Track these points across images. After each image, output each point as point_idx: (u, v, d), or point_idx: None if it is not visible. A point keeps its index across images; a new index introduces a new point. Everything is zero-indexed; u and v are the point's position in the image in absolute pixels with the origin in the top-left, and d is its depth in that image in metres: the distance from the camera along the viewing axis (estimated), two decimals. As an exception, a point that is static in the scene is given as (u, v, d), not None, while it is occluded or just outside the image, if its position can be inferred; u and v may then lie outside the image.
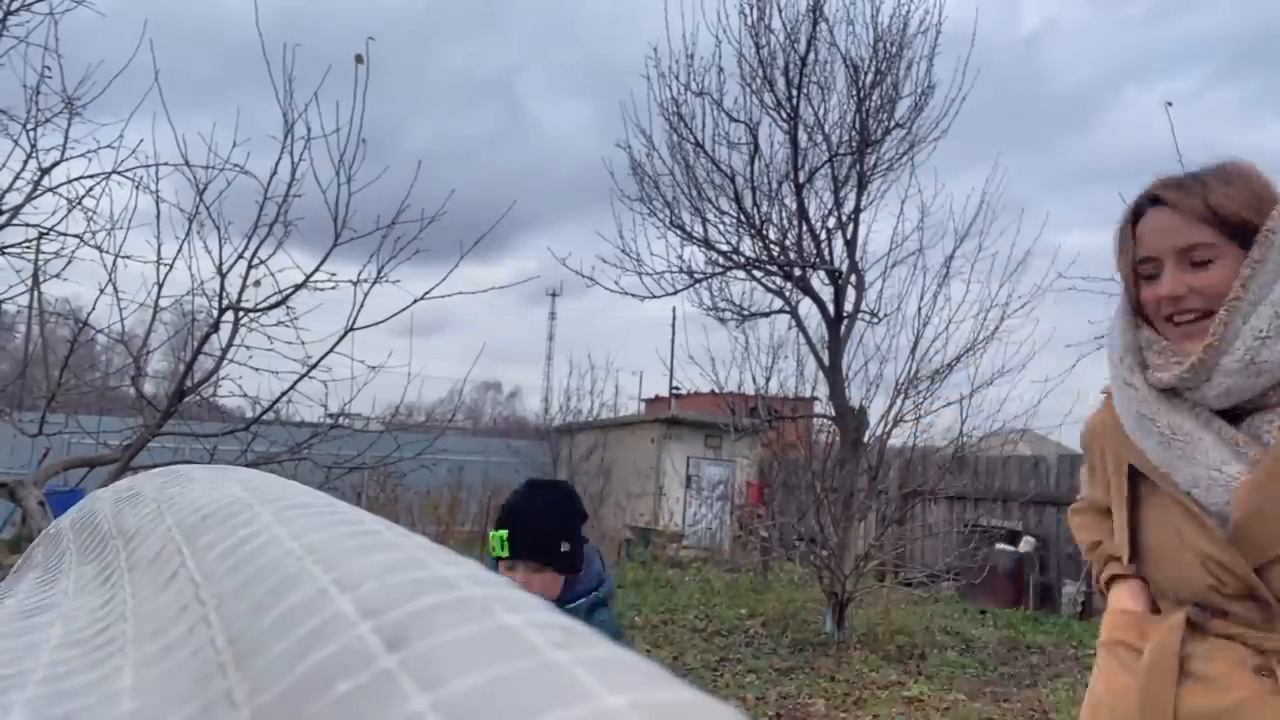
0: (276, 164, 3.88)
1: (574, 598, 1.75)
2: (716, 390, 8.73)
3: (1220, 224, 1.13)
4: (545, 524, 1.77)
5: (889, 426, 7.18)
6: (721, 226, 8.09)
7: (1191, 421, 1.16)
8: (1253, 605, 1.12)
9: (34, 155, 3.88)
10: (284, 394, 3.99)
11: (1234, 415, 1.15)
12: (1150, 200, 1.21)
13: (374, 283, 3.93)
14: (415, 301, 3.99)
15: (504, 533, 1.74)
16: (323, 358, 3.92)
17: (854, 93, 7.60)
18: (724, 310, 8.30)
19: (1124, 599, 1.29)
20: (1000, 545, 8.84)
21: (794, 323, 7.80)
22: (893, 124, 7.71)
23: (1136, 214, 1.23)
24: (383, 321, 3.99)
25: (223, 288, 3.83)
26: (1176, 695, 1.14)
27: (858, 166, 7.73)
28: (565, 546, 1.76)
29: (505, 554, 1.73)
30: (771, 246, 7.91)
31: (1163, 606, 1.25)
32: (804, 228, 7.81)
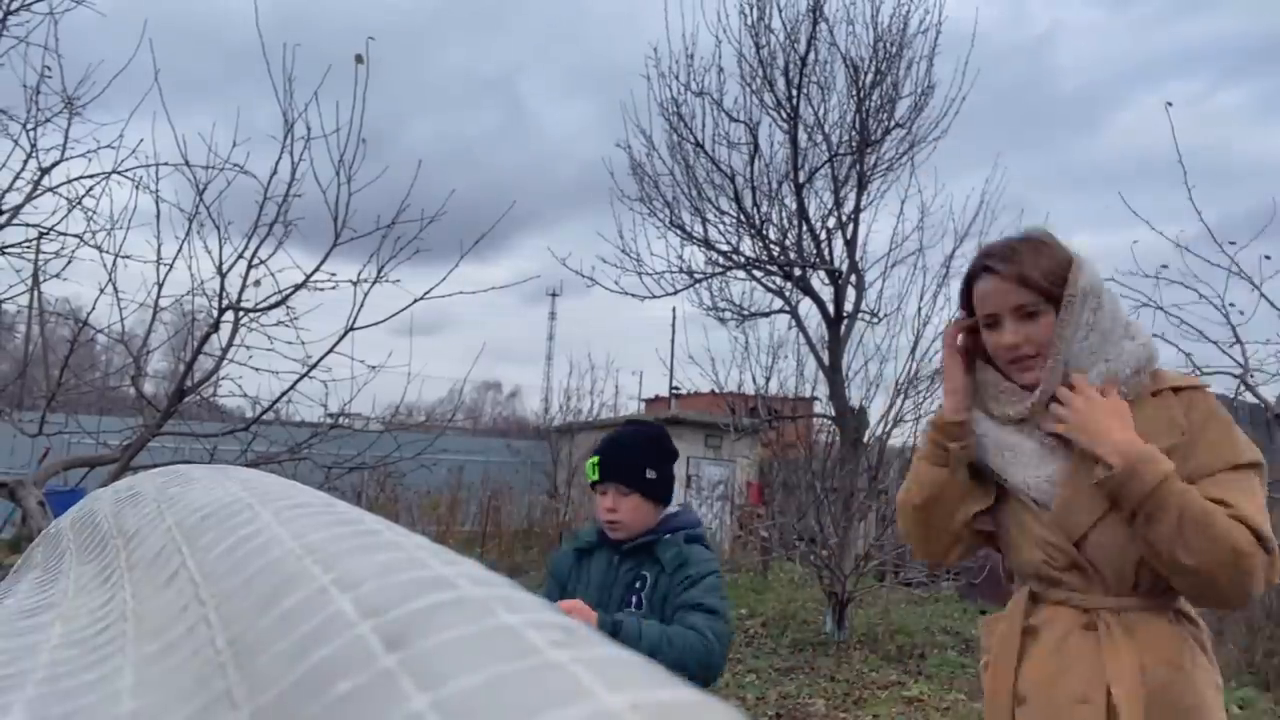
0: (276, 164, 3.88)
1: (669, 530, 1.90)
2: (716, 390, 8.73)
3: (1036, 288, 1.45)
4: (632, 451, 1.94)
5: (889, 426, 7.19)
6: (721, 226, 8.10)
7: (1017, 437, 1.50)
8: (1077, 574, 1.43)
9: (34, 155, 3.88)
10: (284, 394, 3.99)
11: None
12: (984, 268, 1.51)
13: (374, 283, 3.93)
14: (415, 301, 4.00)
15: (595, 458, 1.92)
16: (323, 358, 3.92)
17: (854, 93, 7.60)
18: (724, 310, 8.31)
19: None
20: (1000, 545, 8.83)
21: (794, 323, 7.81)
22: (893, 124, 7.72)
23: (972, 277, 1.55)
24: (383, 321, 3.99)
25: (223, 288, 3.84)
26: (1021, 660, 1.45)
27: (858, 166, 7.73)
28: (651, 474, 1.92)
29: (595, 477, 1.90)
30: (771, 246, 7.91)
31: (1015, 589, 1.55)
32: (804, 228, 7.82)
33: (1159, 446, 1.36)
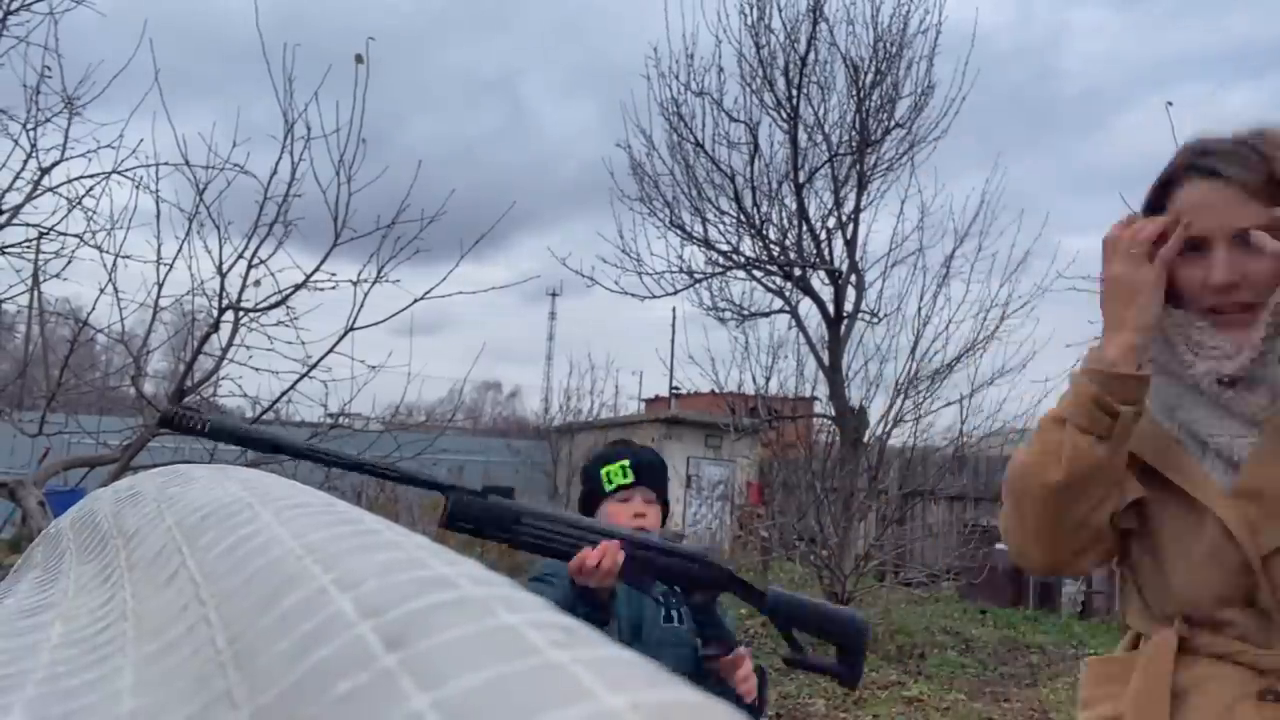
0: (276, 164, 3.88)
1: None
2: (716, 390, 8.73)
3: (1275, 198, 0.98)
4: (659, 460, 1.93)
5: (889, 426, 7.19)
6: (721, 226, 8.10)
7: (1211, 411, 1.05)
8: (1253, 614, 0.98)
9: (34, 155, 3.88)
10: (284, 394, 3.99)
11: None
12: (1196, 167, 1.04)
13: (374, 283, 3.93)
14: (415, 301, 4.00)
15: (625, 461, 1.85)
16: (323, 358, 3.92)
17: (854, 93, 7.60)
18: (724, 310, 8.31)
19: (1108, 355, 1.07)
20: (1000, 545, 8.84)
21: (794, 323, 7.81)
22: (893, 124, 7.72)
23: (1171, 180, 1.07)
24: (383, 321, 4.00)
25: (223, 287, 3.84)
26: None
27: (858, 166, 7.73)
28: (668, 490, 1.90)
29: (628, 480, 1.82)
30: (771, 246, 7.91)
31: (1150, 631, 1.10)
32: (804, 228, 7.82)
33: None
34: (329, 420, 4.45)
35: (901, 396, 7.13)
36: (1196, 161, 1.04)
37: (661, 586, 1.65)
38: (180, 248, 3.86)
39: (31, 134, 3.87)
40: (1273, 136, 1.03)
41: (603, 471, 1.85)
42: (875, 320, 7.66)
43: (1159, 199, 1.08)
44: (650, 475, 1.85)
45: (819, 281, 7.91)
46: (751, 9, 7.70)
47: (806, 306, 7.83)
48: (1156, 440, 1.08)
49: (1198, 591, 1.03)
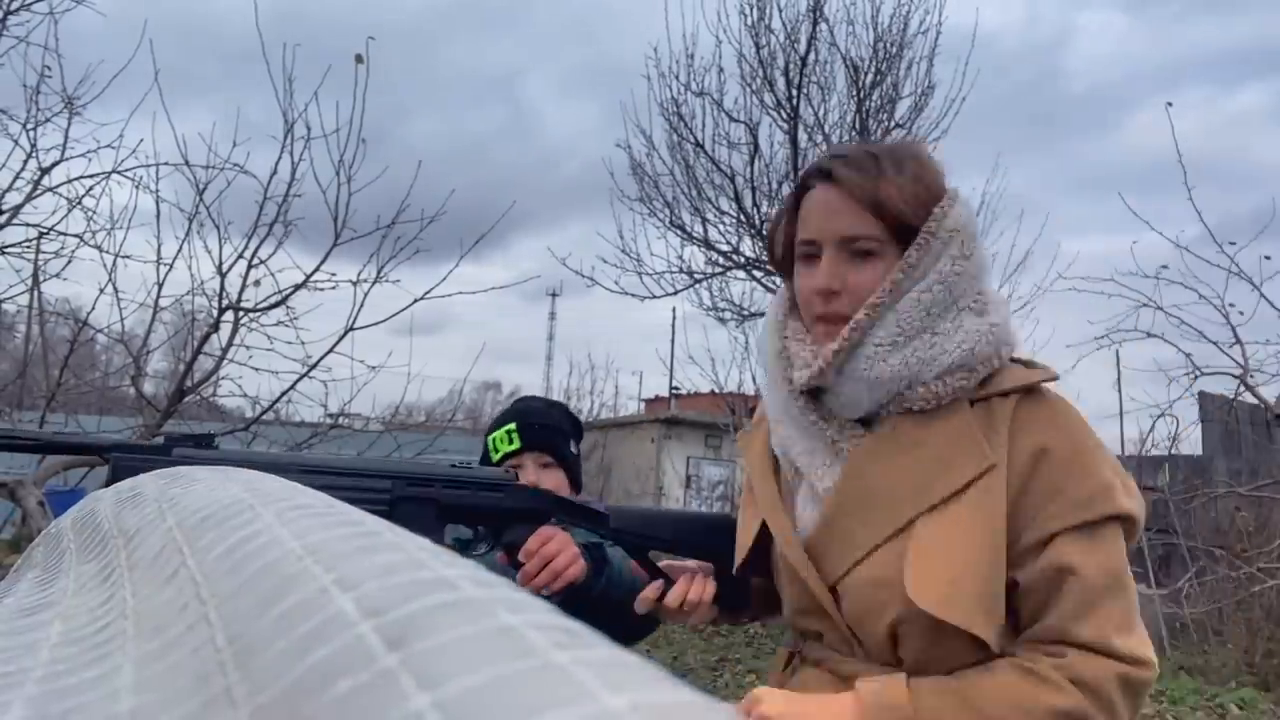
0: (276, 164, 3.89)
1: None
2: (716, 390, 8.73)
3: (886, 217, 1.00)
4: (553, 419, 1.65)
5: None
6: (721, 227, 8.10)
7: (803, 421, 1.07)
8: (832, 628, 1.03)
9: (34, 155, 3.88)
10: (284, 394, 3.99)
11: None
12: (821, 174, 1.05)
13: (374, 283, 3.93)
14: (415, 301, 4.00)
15: (510, 425, 1.59)
16: (323, 358, 3.92)
17: (854, 93, 7.60)
18: (724, 310, 8.31)
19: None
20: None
21: (794, 323, 7.79)
22: (893, 124, 7.71)
23: (804, 187, 1.08)
24: (383, 321, 4.00)
25: (223, 287, 3.84)
26: None
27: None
28: (573, 449, 1.63)
29: (514, 446, 1.57)
30: (771, 247, 7.90)
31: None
32: (804, 228, 7.81)
33: (943, 487, 0.95)
34: (329, 420, 4.45)
35: (901, 397, 7.12)
36: (821, 165, 1.06)
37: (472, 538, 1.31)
38: (180, 248, 3.87)
39: (31, 134, 3.87)
40: (902, 151, 1.05)
41: (489, 440, 1.61)
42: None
43: (795, 204, 1.09)
44: (541, 436, 1.58)
45: (819, 282, 7.91)
46: (751, 9, 7.70)
47: (806, 307, 7.82)
48: (763, 462, 1.14)
49: (789, 606, 1.10)
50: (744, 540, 1.14)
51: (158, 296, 3.89)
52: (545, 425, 1.61)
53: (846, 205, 1.02)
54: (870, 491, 1.01)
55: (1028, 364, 1.04)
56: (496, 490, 1.20)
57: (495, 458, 1.59)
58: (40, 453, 1.39)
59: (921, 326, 0.99)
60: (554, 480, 1.56)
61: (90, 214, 4.02)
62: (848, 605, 1.01)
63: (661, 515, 1.33)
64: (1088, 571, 0.92)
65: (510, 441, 1.58)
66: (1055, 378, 1.02)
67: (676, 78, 7.97)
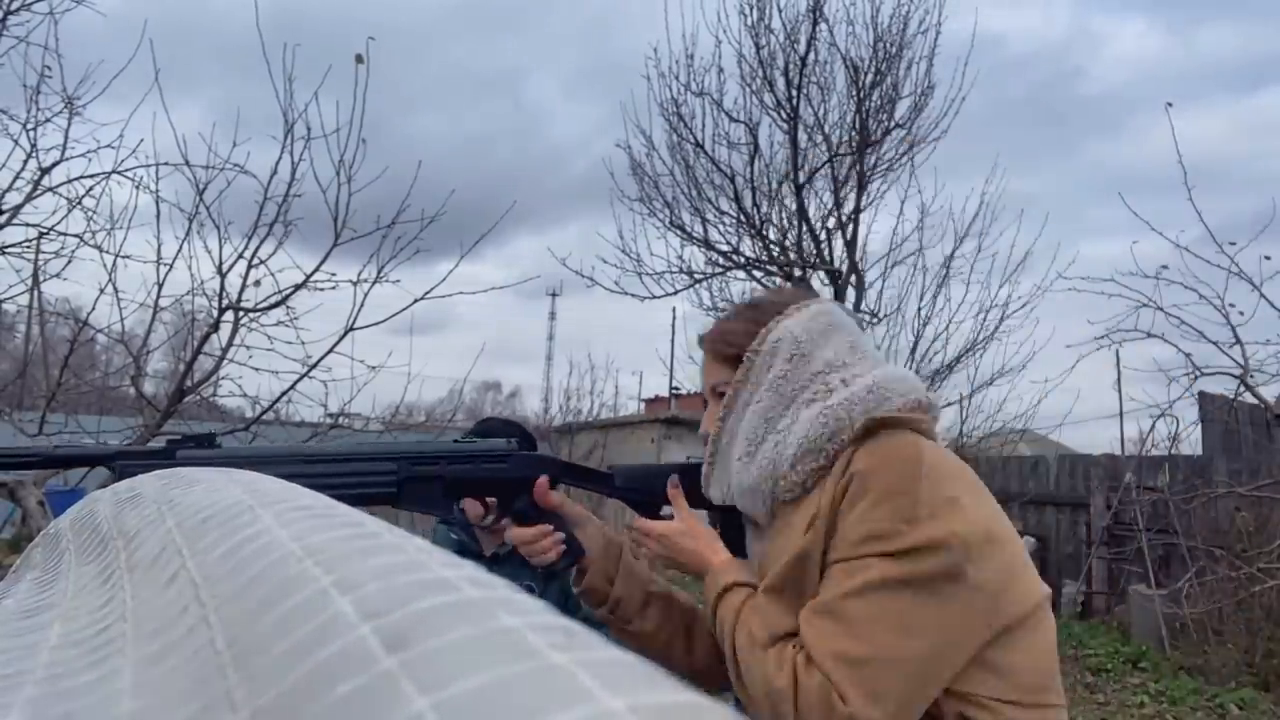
0: (276, 164, 3.88)
1: None
2: (716, 390, 8.71)
3: (729, 357, 1.19)
4: (514, 435, 1.67)
5: (889, 427, 7.16)
6: (721, 227, 8.10)
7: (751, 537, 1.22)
8: None
9: (34, 155, 3.88)
10: (284, 394, 3.99)
11: None
12: (701, 346, 1.29)
13: (374, 283, 3.93)
14: (415, 301, 4.00)
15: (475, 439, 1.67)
16: (323, 358, 3.92)
17: (854, 93, 7.60)
18: (724, 310, 8.30)
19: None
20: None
21: (794, 323, 7.79)
22: (893, 124, 7.71)
23: None
24: (383, 321, 3.99)
25: (223, 287, 3.83)
26: None
27: (857, 167, 7.72)
28: None
29: None
30: (771, 246, 7.91)
31: None
32: (804, 228, 7.82)
33: (798, 538, 1.05)
34: (329, 420, 4.45)
35: (901, 397, 7.11)
36: (700, 339, 1.29)
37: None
38: (180, 248, 3.86)
39: (31, 134, 3.87)
40: (742, 306, 1.25)
41: None
42: (875, 320, 7.66)
43: None
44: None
45: (819, 282, 7.91)
46: (751, 9, 7.70)
47: (806, 307, 7.82)
48: None
49: None
50: None
51: (158, 296, 3.89)
52: (505, 437, 1.66)
53: (708, 361, 1.25)
54: (763, 570, 1.13)
55: (894, 418, 1.08)
56: (500, 461, 1.22)
57: None
58: (44, 468, 1.38)
59: (765, 431, 1.13)
60: None
61: (90, 214, 4.02)
62: None
63: (663, 469, 1.39)
64: (834, 596, 0.98)
65: None
66: (889, 422, 1.07)
67: (676, 78, 7.98)
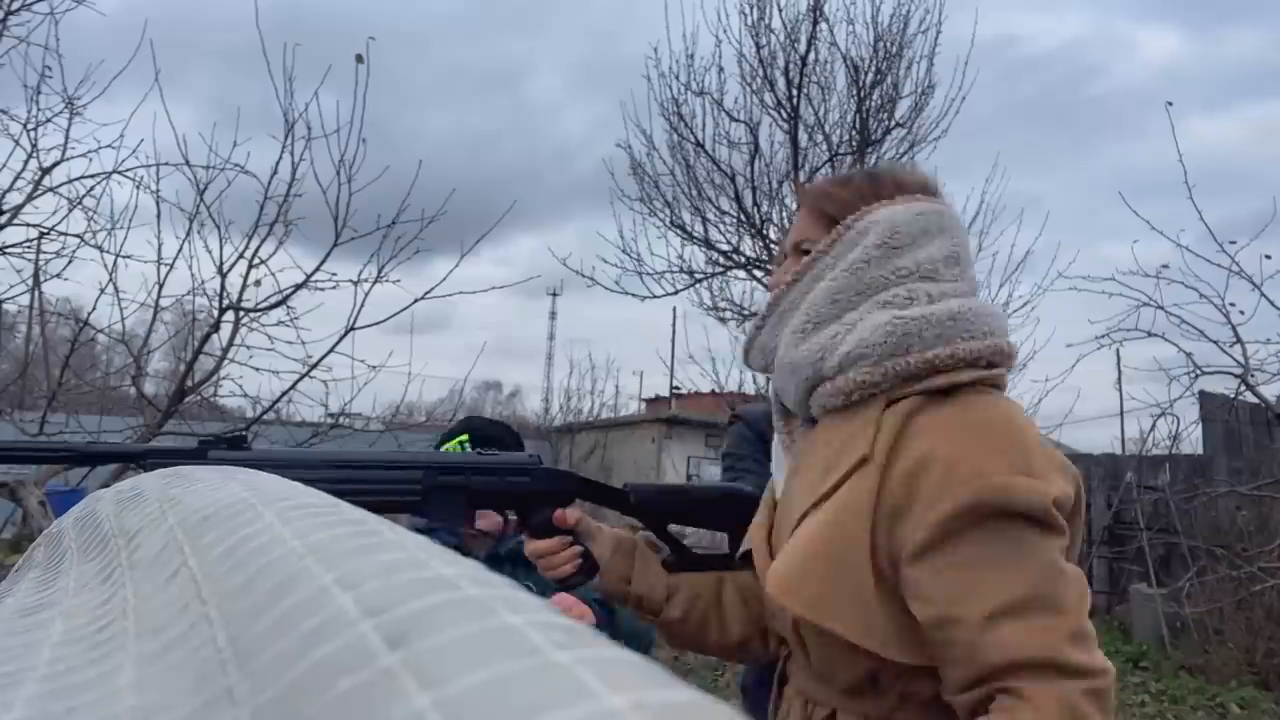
0: (277, 164, 3.88)
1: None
2: (717, 390, 8.73)
3: (826, 220, 1.06)
4: (498, 432, 1.77)
5: (889, 426, 7.16)
6: (722, 226, 8.10)
7: (777, 428, 1.11)
8: (800, 648, 1.00)
9: (35, 155, 3.88)
10: (284, 394, 3.99)
11: None
12: (798, 200, 1.17)
13: (374, 282, 3.93)
14: (415, 301, 4.00)
15: (464, 436, 1.72)
16: (323, 357, 3.92)
17: (854, 92, 7.60)
18: (724, 310, 8.31)
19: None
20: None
21: (794, 323, 7.80)
22: (893, 124, 7.71)
23: None
24: (383, 321, 3.99)
25: (223, 287, 3.83)
26: None
27: (858, 166, 7.72)
28: None
29: None
30: (772, 246, 7.90)
31: None
32: (804, 227, 7.81)
33: (826, 483, 0.93)
34: (330, 420, 4.45)
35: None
36: (798, 191, 1.17)
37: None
38: (181, 247, 3.86)
39: (32, 134, 3.87)
40: (870, 170, 1.12)
41: (442, 450, 1.73)
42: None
43: None
44: (493, 448, 1.68)
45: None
46: (751, 9, 7.70)
47: (807, 306, 7.82)
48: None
49: (770, 622, 1.11)
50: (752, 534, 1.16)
51: (158, 296, 3.89)
52: (499, 439, 1.74)
53: (801, 215, 1.11)
54: (791, 493, 1.02)
55: (983, 366, 0.97)
56: (523, 474, 1.23)
57: None
58: (76, 464, 1.40)
59: (830, 315, 1.00)
60: None
61: (91, 214, 4.02)
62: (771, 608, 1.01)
63: (677, 490, 1.37)
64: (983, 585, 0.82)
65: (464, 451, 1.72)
66: (973, 383, 0.95)
67: (677, 77, 7.97)
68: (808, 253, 1.06)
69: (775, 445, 1.12)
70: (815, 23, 7.51)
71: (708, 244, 8.13)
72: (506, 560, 1.83)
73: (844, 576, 0.88)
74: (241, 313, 3.88)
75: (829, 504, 0.93)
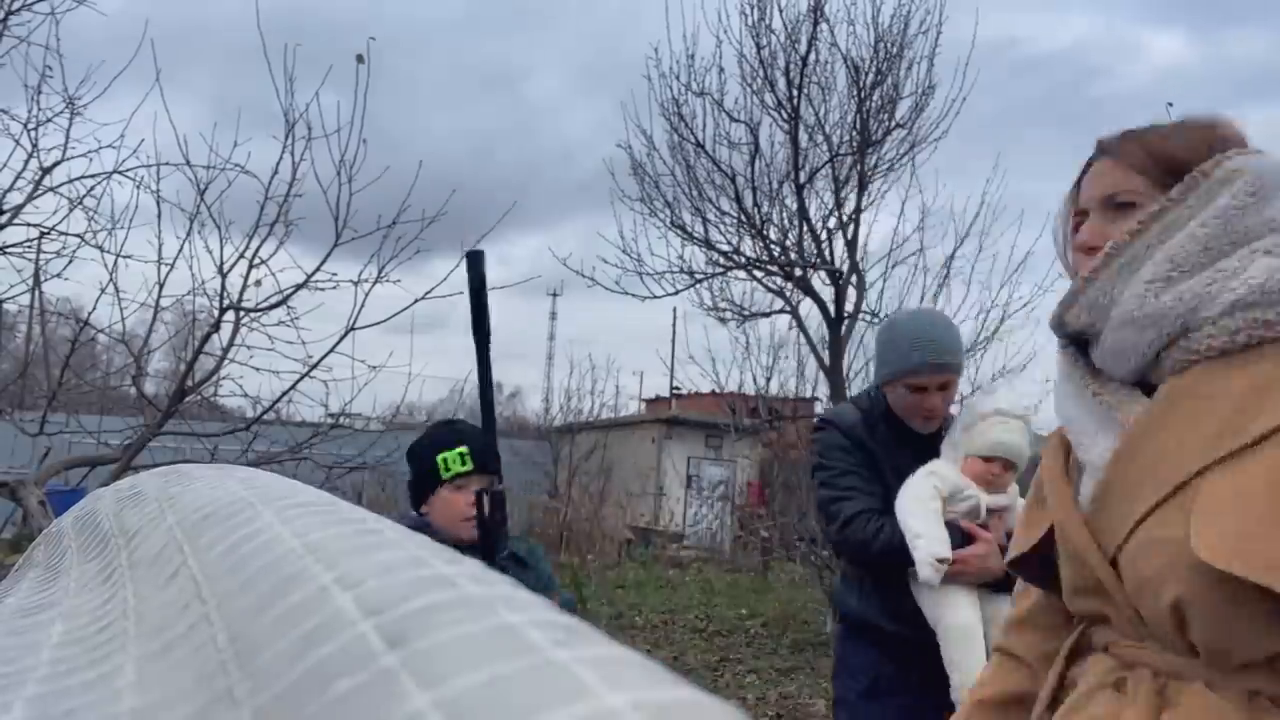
0: (277, 164, 3.88)
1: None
2: (717, 390, 8.73)
3: (1155, 170, 0.99)
4: (492, 443, 1.81)
5: (890, 427, 7.17)
6: (722, 227, 8.09)
7: (1071, 392, 1.03)
8: (1111, 607, 0.96)
9: (35, 155, 3.88)
10: (285, 394, 3.99)
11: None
12: (1097, 149, 1.07)
13: (374, 282, 3.93)
14: (416, 301, 4.00)
15: (465, 449, 1.78)
16: (323, 357, 3.92)
17: (855, 93, 7.59)
18: (724, 310, 8.31)
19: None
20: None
21: (794, 323, 7.81)
22: (893, 124, 7.71)
23: (1087, 170, 1.09)
24: (383, 321, 3.99)
25: (223, 287, 3.83)
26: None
27: (858, 167, 7.72)
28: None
29: (467, 468, 1.77)
30: (772, 246, 7.90)
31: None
32: (804, 228, 7.81)
33: (1237, 438, 0.85)
34: (330, 420, 4.45)
35: (902, 397, 7.12)
36: (1100, 142, 1.07)
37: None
38: (181, 247, 3.85)
39: (33, 134, 3.87)
40: (1189, 119, 1.03)
41: (439, 459, 1.79)
42: (876, 321, 7.65)
43: (1076, 186, 1.10)
44: (490, 458, 1.75)
45: (820, 282, 7.91)
46: (752, 9, 7.70)
47: (807, 307, 7.83)
48: (1056, 448, 1.09)
49: (1066, 587, 1.03)
50: (1020, 534, 1.11)
51: (159, 296, 3.89)
52: (489, 449, 1.78)
53: (1110, 167, 1.03)
54: (1154, 450, 0.92)
55: None
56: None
57: (447, 475, 1.78)
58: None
59: (1199, 263, 0.93)
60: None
61: (91, 214, 4.01)
62: (1128, 576, 0.92)
63: None
64: None
65: (464, 463, 1.78)
66: None
67: (677, 78, 7.97)
68: (1125, 205, 0.99)
69: (1080, 408, 1.02)
70: (816, 23, 7.50)
71: (708, 244, 8.13)
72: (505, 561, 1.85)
73: None
74: (242, 313, 3.88)
75: (1251, 462, 0.84)
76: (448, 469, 1.78)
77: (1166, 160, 0.98)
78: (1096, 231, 1.01)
